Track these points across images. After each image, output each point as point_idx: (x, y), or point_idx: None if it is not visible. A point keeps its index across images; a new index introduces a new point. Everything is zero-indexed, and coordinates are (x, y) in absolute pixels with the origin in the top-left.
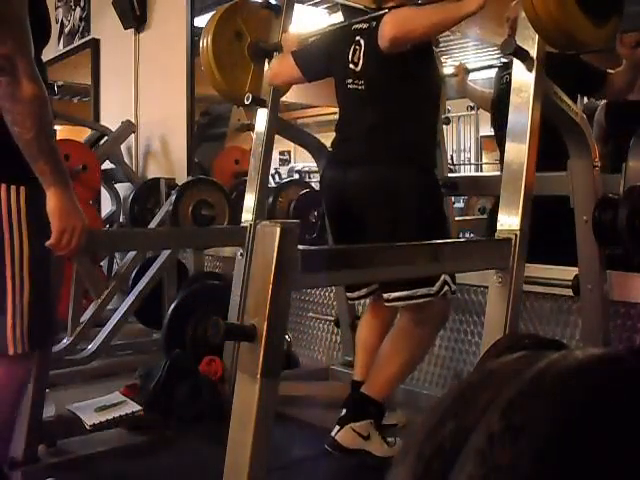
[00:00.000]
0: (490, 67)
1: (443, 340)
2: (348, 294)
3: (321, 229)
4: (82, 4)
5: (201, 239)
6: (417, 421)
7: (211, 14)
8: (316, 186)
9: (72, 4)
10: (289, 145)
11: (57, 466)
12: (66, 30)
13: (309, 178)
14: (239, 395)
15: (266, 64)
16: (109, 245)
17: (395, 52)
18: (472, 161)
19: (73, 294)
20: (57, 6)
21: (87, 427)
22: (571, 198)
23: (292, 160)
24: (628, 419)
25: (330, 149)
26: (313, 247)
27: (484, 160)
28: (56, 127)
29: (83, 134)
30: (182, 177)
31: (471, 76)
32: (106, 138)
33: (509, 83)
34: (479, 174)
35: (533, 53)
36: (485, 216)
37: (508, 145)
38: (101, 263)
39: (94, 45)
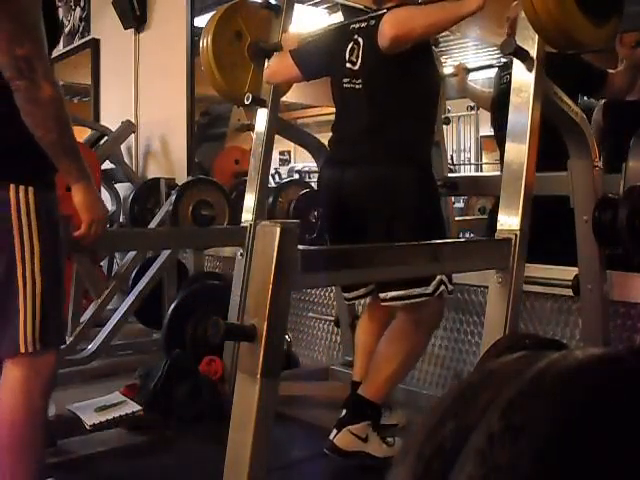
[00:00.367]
0: (490, 67)
1: (443, 340)
2: (345, 294)
3: (321, 229)
4: (82, 4)
5: (201, 239)
6: (417, 421)
7: (211, 14)
8: (316, 186)
9: (72, 4)
10: (289, 145)
11: (57, 466)
12: (66, 30)
13: (309, 178)
14: (239, 395)
15: (266, 64)
16: (109, 245)
17: (395, 51)
18: (472, 161)
19: (73, 294)
20: (57, 6)
21: (87, 427)
22: (571, 198)
23: (292, 160)
24: (628, 419)
25: (327, 148)
26: (313, 247)
27: (484, 160)
28: None
29: (83, 134)
30: (182, 177)
31: (471, 76)
32: (106, 138)
33: (509, 83)
34: (479, 174)
35: (533, 53)
36: (485, 216)
37: (508, 145)
38: (101, 263)
39: (94, 45)
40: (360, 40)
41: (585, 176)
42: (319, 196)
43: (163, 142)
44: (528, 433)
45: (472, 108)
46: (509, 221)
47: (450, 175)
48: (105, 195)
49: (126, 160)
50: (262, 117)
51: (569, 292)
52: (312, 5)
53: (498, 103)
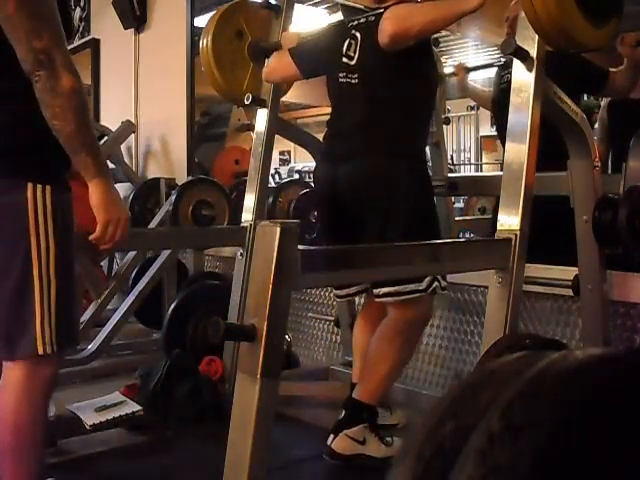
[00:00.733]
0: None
1: (443, 340)
2: (336, 292)
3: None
4: (82, 4)
5: (201, 239)
6: (417, 421)
7: (211, 14)
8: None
9: (72, 4)
10: (289, 145)
11: (57, 466)
12: None
13: (309, 178)
14: (239, 395)
15: (266, 63)
16: None
17: (395, 49)
18: (472, 161)
19: None
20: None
21: (87, 427)
22: (571, 198)
23: (292, 160)
24: (628, 419)
25: (322, 144)
26: (313, 247)
27: (484, 160)
28: None
29: None
30: (182, 177)
31: (471, 76)
32: (106, 138)
33: (509, 82)
34: (479, 174)
35: (533, 53)
36: (485, 216)
37: (508, 145)
38: (101, 263)
39: (94, 45)
40: (358, 35)
41: (585, 176)
42: (315, 192)
43: (163, 142)
44: (528, 433)
45: (472, 108)
46: (509, 221)
47: (450, 175)
48: None
49: (126, 160)
50: (262, 117)
51: (569, 292)
52: (312, 5)
53: (498, 103)
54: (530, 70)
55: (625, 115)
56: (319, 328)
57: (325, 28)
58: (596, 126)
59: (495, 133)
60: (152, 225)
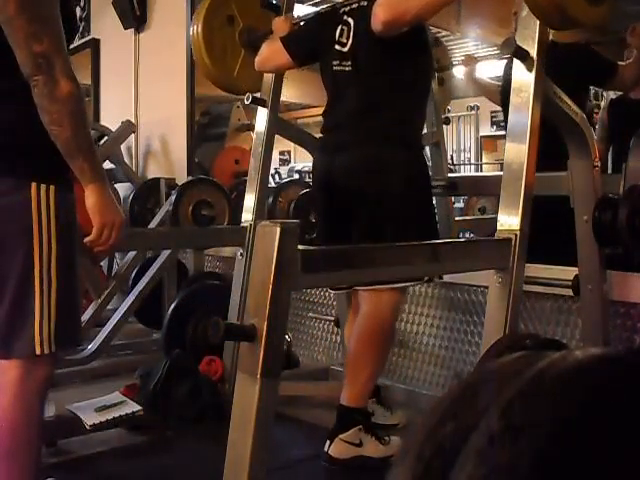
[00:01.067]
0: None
1: (443, 340)
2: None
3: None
4: (82, 4)
5: (201, 239)
6: (417, 421)
7: None
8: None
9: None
10: (289, 145)
11: (57, 466)
12: None
13: (309, 178)
14: (239, 395)
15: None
16: None
17: (389, 35)
18: (472, 161)
19: None
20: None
21: (87, 427)
22: (571, 198)
23: (292, 160)
24: (628, 419)
25: (319, 136)
26: (313, 247)
27: (484, 160)
28: None
29: None
30: (182, 177)
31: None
32: (106, 138)
33: None
34: (479, 174)
35: (533, 53)
36: (485, 216)
37: (508, 145)
38: (101, 263)
39: (94, 45)
40: (350, 21)
41: (585, 176)
42: (313, 182)
43: (163, 142)
44: (528, 433)
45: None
46: (509, 221)
47: (450, 175)
48: None
49: (126, 160)
50: (262, 117)
51: (569, 292)
52: (312, 5)
53: (507, 93)
54: (530, 70)
55: (625, 115)
56: (319, 328)
57: (317, 14)
58: (596, 126)
59: (495, 133)
60: (152, 225)
